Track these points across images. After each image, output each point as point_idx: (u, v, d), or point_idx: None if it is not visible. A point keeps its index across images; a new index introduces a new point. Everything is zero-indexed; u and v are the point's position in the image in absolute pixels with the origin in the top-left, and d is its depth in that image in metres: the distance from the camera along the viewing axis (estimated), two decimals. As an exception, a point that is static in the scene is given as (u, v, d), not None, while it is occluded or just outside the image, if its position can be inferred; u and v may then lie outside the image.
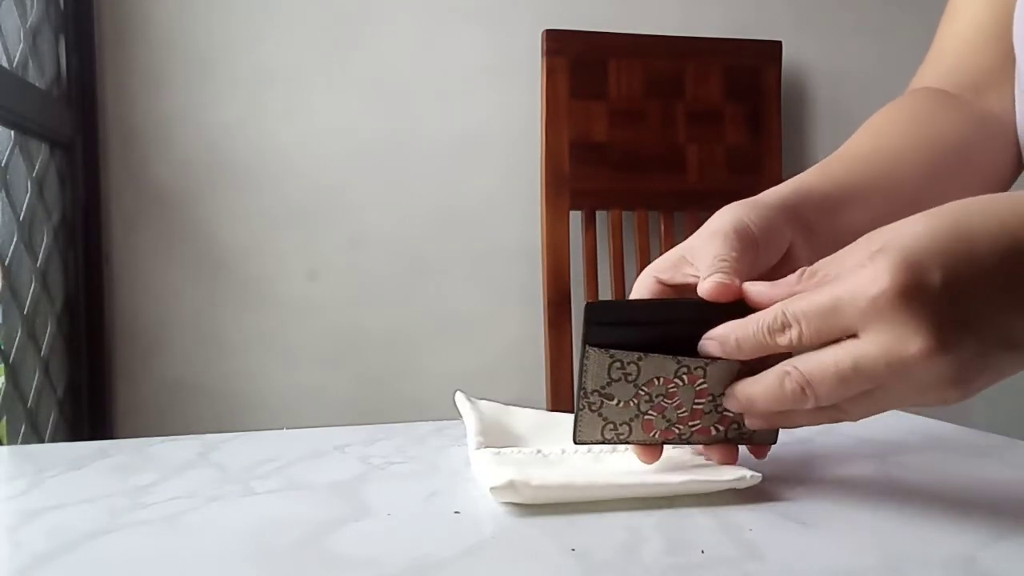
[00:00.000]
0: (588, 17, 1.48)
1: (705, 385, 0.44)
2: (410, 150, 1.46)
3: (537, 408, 0.60)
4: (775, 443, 0.48)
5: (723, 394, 0.44)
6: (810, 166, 0.57)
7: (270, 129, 1.42)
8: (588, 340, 0.43)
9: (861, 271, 0.38)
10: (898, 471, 0.51)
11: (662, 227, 1.44)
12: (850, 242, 0.41)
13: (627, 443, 0.45)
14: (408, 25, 1.46)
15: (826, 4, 1.60)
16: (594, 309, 0.43)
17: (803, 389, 0.40)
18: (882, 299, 0.37)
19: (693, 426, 0.45)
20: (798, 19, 1.58)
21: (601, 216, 1.44)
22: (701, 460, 0.49)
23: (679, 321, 0.43)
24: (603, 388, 0.43)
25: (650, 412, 0.44)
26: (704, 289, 0.43)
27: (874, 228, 0.40)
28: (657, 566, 0.35)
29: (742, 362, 0.43)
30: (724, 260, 0.44)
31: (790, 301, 0.40)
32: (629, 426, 0.44)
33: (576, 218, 1.42)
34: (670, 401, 0.44)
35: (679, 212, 1.45)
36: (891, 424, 0.65)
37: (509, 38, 1.48)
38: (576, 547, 0.37)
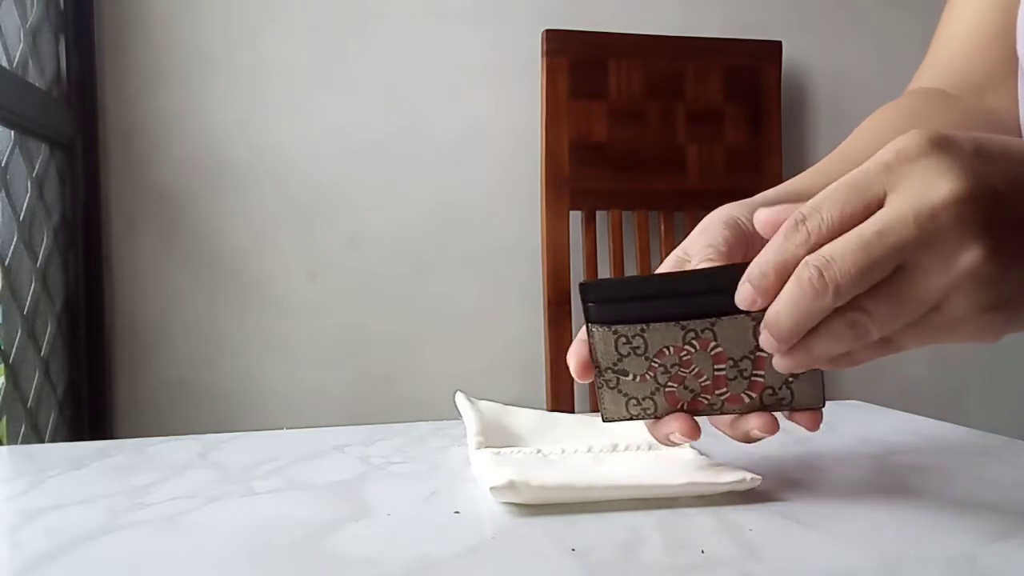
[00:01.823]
0: (588, 17, 1.48)
1: (720, 348, 0.42)
2: (410, 150, 1.46)
3: (537, 408, 0.60)
4: (823, 406, 0.44)
5: (744, 358, 0.42)
6: (810, 166, 0.57)
7: (270, 129, 1.42)
8: (589, 319, 0.42)
9: (886, 146, 0.36)
10: (898, 471, 0.51)
11: (662, 227, 1.44)
12: None
13: (656, 418, 0.44)
14: (408, 25, 1.46)
15: (826, 4, 1.60)
16: (590, 289, 0.42)
17: (820, 273, 0.35)
18: (911, 147, 0.35)
19: (721, 395, 0.43)
20: (798, 19, 1.58)
21: (601, 216, 1.44)
22: (702, 461, 0.49)
23: (678, 293, 0.42)
24: (615, 364, 0.43)
25: (670, 384, 0.43)
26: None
27: None
28: (657, 566, 0.35)
29: (755, 320, 0.40)
30: (712, 246, 0.44)
31: (806, 203, 0.37)
32: (653, 400, 0.44)
33: (576, 218, 1.42)
34: (687, 370, 0.43)
35: (679, 212, 1.45)
36: (891, 424, 0.65)
37: (509, 38, 1.48)
38: (576, 547, 0.37)
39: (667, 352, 0.42)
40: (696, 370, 0.43)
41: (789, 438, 0.57)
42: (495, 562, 0.36)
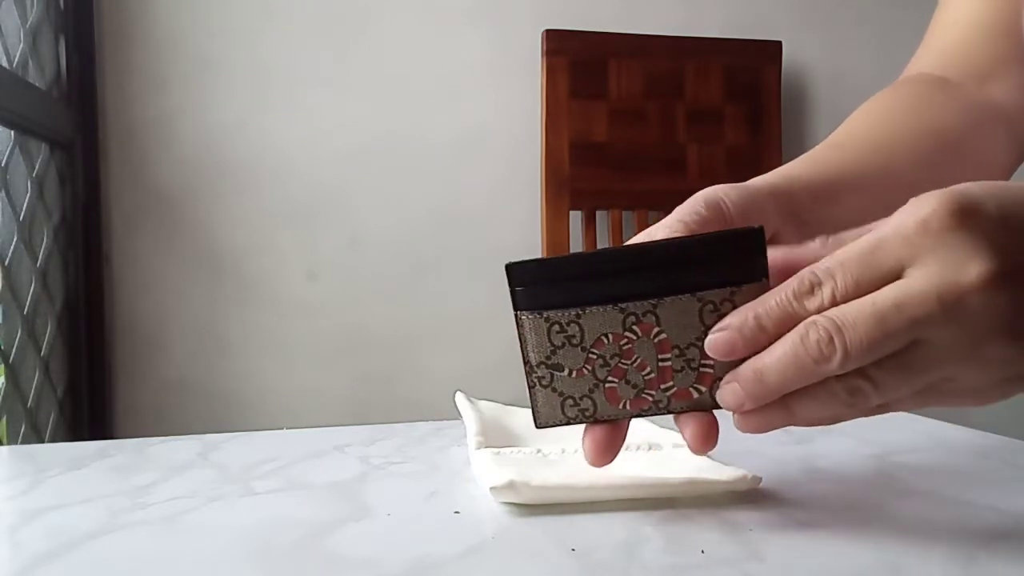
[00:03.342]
0: (588, 17, 1.48)
1: (664, 335, 0.37)
2: (410, 150, 1.46)
3: (537, 408, 0.60)
4: None
5: (691, 345, 0.38)
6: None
7: (270, 129, 1.42)
8: (517, 306, 0.38)
9: (904, 208, 0.34)
10: (898, 471, 0.51)
11: (662, 227, 1.44)
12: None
13: (596, 421, 0.40)
14: (408, 25, 1.46)
15: (826, 4, 1.60)
16: (516, 270, 0.37)
17: (831, 337, 0.33)
18: (933, 220, 0.32)
19: (667, 390, 0.39)
20: (798, 19, 1.58)
21: (601, 216, 1.44)
22: (702, 461, 0.49)
23: (616, 272, 0.37)
24: (548, 359, 0.38)
25: (610, 379, 0.39)
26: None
27: (870, 218, 0.37)
28: (657, 566, 0.35)
29: (701, 301, 0.37)
30: (681, 221, 0.40)
31: (818, 263, 0.35)
32: (592, 400, 0.39)
33: (576, 218, 1.42)
34: (628, 361, 0.38)
35: (679, 212, 1.44)
36: (891, 424, 0.65)
37: (509, 38, 1.48)
38: (576, 547, 0.37)
39: (606, 340, 0.38)
40: (639, 361, 0.38)
41: (789, 438, 0.57)
42: (495, 562, 0.36)
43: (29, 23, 1.22)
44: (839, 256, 0.35)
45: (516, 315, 0.38)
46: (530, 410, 0.60)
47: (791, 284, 0.35)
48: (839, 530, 0.40)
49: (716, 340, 0.36)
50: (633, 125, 1.43)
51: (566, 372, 0.39)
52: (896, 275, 0.33)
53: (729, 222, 0.41)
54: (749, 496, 0.44)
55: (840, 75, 1.60)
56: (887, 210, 0.37)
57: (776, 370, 0.34)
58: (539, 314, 0.38)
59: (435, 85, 1.47)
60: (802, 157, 0.54)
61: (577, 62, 1.41)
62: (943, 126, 0.59)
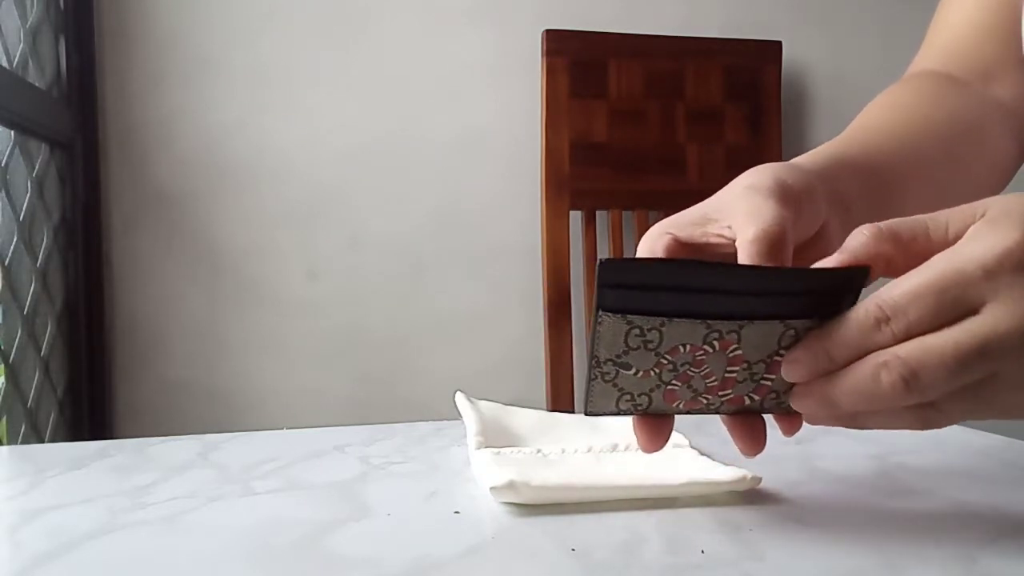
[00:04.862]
0: (588, 17, 1.48)
1: (739, 352, 0.37)
2: (410, 150, 1.46)
3: (537, 408, 0.60)
4: None
5: (760, 361, 0.37)
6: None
7: (270, 129, 1.42)
8: (602, 304, 0.36)
9: (980, 233, 0.34)
10: (898, 471, 0.51)
11: (662, 227, 1.44)
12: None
13: (645, 414, 0.40)
14: (408, 25, 1.46)
15: (826, 4, 1.60)
16: (610, 269, 0.35)
17: (907, 383, 0.33)
18: (1017, 254, 0.32)
19: (724, 396, 0.39)
20: (798, 19, 1.58)
21: (601, 216, 1.44)
22: (703, 461, 0.49)
23: (715, 291, 0.35)
24: (618, 357, 0.37)
25: (674, 382, 0.38)
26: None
27: (912, 211, 0.36)
28: (657, 566, 0.35)
29: (785, 325, 0.36)
30: (766, 214, 0.38)
31: (883, 290, 0.34)
32: (649, 397, 0.39)
33: (576, 218, 1.42)
34: (697, 370, 0.38)
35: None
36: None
37: (509, 38, 1.48)
38: (576, 547, 0.37)
39: (682, 350, 0.37)
40: (707, 371, 0.38)
41: (789, 438, 0.57)
42: (495, 562, 0.36)
43: (29, 23, 1.22)
44: (911, 288, 0.34)
45: (598, 313, 0.36)
46: (530, 409, 0.60)
47: (858, 317, 0.35)
48: (839, 530, 0.40)
49: (789, 371, 0.37)
50: (633, 125, 1.43)
51: (632, 371, 0.38)
52: (974, 309, 0.33)
53: (798, 205, 0.40)
54: (749, 496, 0.44)
55: (840, 75, 1.59)
56: (924, 202, 0.36)
57: (847, 401, 0.35)
58: (622, 316, 0.36)
59: (435, 85, 1.47)
60: (847, 138, 0.53)
61: (577, 62, 1.41)
62: (962, 116, 0.59)
